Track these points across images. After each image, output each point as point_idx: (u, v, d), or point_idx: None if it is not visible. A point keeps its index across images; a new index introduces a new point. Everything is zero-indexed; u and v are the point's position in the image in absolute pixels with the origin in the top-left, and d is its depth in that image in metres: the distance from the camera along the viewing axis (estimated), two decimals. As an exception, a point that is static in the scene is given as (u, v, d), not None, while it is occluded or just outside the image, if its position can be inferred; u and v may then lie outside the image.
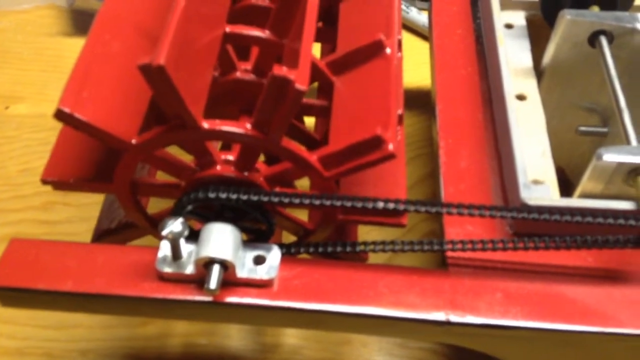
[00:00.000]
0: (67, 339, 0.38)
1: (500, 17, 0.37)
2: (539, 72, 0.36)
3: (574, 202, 0.28)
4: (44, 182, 0.28)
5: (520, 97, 0.35)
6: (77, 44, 0.54)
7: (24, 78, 0.53)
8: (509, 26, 0.38)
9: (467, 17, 0.39)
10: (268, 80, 0.23)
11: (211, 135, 0.25)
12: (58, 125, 0.26)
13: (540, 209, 0.27)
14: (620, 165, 0.27)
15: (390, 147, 0.25)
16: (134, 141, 0.26)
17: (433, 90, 0.36)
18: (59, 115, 0.25)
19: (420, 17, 0.58)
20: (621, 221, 0.26)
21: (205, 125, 0.25)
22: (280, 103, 0.24)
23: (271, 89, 0.24)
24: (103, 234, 0.32)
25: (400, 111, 0.28)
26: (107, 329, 0.39)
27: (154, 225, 0.29)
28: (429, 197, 0.45)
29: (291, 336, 0.40)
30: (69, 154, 0.29)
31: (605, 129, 0.36)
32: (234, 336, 0.39)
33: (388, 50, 0.29)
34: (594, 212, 0.26)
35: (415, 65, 0.52)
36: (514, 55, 0.36)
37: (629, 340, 0.26)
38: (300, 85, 0.23)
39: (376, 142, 0.25)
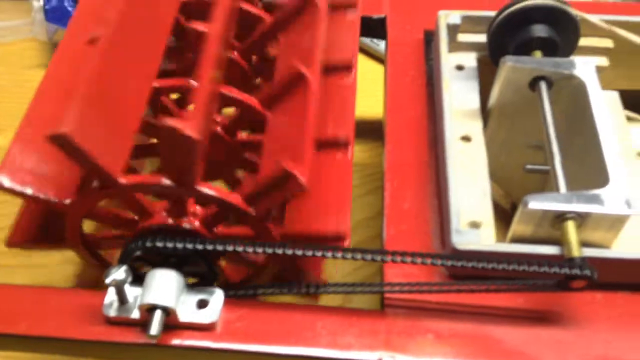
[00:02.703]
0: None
1: (448, 59, 0.38)
2: (487, 111, 0.38)
3: (502, 246, 0.29)
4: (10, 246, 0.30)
5: (466, 139, 0.36)
6: (57, 76, 0.56)
7: (4, 109, 0.55)
8: (459, 67, 0.39)
9: (421, 58, 0.41)
10: (160, 130, 0.24)
11: (132, 189, 0.27)
12: None
13: (469, 255, 0.29)
14: (546, 212, 0.29)
15: (301, 180, 0.26)
16: (67, 201, 0.27)
17: (384, 131, 0.38)
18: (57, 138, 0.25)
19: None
20: (545, 268, 0.27)
21: (123, 180, 0.26)
22: (177, 152, 0.25)
23: (163, 140, 0.25)
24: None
25: (344, 135, 0.30)
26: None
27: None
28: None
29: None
30: (27, 221, 0.30)
31: (547, 167, 0.38)
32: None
33: (308, 81, 0.29)
34: (519, 258, 0.28)
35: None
36: (462, 96, 0.38)
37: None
38: (191, 134, 0.24)
39: (287, 177, 0.26)
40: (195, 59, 0.27)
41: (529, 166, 0.38)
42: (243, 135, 0.35)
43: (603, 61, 0.39)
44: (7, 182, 0.26)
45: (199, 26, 0.31)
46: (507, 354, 0.28)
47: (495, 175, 0.40)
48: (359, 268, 0.44)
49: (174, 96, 0.34)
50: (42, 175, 0.27)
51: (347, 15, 0.39)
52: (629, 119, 0.39)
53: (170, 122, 0.24)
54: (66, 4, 0.58)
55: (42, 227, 0.30)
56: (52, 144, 0.24)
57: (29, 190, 0.26)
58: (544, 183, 0.38)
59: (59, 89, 0.29)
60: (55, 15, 0.58)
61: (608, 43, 0.39)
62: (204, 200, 0.27)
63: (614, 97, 0.38)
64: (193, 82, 0.30)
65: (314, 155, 0.30)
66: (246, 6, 0.35)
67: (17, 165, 0.27)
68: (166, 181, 0.26)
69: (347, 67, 0.36)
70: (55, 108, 0.29)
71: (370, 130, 0.50)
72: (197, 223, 0.28)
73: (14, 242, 0.30)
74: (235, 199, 0.27)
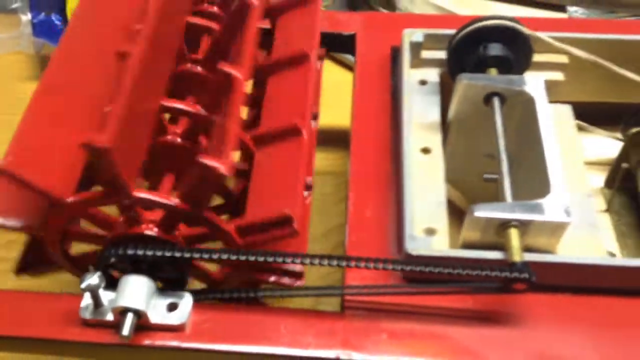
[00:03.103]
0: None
1: (410, 75, 0.41)
2: (447, 124, 0.40)
3: (451, 252, 0.32)
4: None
5: (425, 150, 0.38)
6: (44, 88, 0.58)
7: (-7, 121, 0.57)
8: (423, 82, 0.42)
9: (387, 73, 0.43)
10: (195, 165, 0.27)
11: (142, 203, 0.29)
12: None
13: (421, 259, 0.31)
14: (490, 219, 0.31)
15: (222, 169, 0.27)
16: (70, 199, 0.29)
17: (350, 143, 0.40)
18: (4, 173, 0.28)
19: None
20: (489, 272, 0.30)
21: (138, 194, 0.29)
22: (205, 185, 0.28)
23: (197, 173, 0.27)
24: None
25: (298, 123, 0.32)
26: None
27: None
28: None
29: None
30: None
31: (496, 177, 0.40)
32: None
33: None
34: (467, 263, 0.30)
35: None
36: (423, 110, 0.40)
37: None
38: (225, 171, 0.27)
39: (285, 220, 0.29)
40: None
41: (486, 175, 0.40)
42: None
43: (559, 76, 0.42)
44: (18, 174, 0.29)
45: (228, 68, 0.33)
46: (456, 351, 0.30)
47: (459, 184, 0.42)
48: (335, 271, 0.46)
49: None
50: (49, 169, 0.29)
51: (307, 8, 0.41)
52: (581, 129, 0.41)
53: (207, 161, 0.26)
54: (54, 18, 0.61)
55: (36, 256, 0.33)
56: (88, 153, 0.26)
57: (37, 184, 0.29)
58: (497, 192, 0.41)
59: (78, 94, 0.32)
60: (43, 29, 0.60)
61: (563, 59, 0.41)
62: (144, 204, 0.30)
63: (565, 110, 0.40)
64: (202, 111, 0.33)
65: (266, 148, 0.33)
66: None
67: (25, 157, 0.29)
68: (178, 203, 0.29)
69: (304, 57, 0.38)
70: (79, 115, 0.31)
71: (347, 139, 0.53)
72: (153, 227, 0.30)
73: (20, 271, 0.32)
74: (170, 198, 0.29)
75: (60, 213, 0.30)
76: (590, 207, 0.36)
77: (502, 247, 0.31)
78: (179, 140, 0.34)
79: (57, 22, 0.60)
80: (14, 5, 0.64)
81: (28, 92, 0.61)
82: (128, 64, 0.29)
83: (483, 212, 0.31)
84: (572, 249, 0.34)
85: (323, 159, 0.53)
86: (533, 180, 0.34)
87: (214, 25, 0.38)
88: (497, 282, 0.30)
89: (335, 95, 0.48)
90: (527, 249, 0.32)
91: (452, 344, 0.30)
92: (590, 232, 0.35)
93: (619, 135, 0.42)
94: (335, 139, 0.51)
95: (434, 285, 0.31)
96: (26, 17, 0.61)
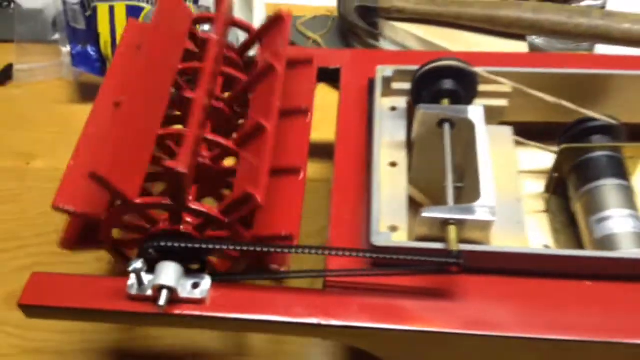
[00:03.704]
0: (73, 341, 0.52)
1: (382, 103, 0.50)
2: (411, 143, 0.50)
3: (406, 243, 0.42)
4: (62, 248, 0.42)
5: (393, 164, 0.48)
6: (82, 109, 0.69)
7: (39, 139, 0.67)
8: (393, 108, 0.52)
9: (365, 100, 0.53)
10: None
11: (144, 207, 0.39)
12: None
13: (383, 249, 0.41)
14: (434, 219, 0.41)
15: (259, 199, 0.38)
16: (137, 201, 0.39)
17: (334, 157, 0.50)
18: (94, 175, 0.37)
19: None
20: (432, 258, 0.39)
21: (191, 205, 0.39)
22: (173, 181, 0.38)
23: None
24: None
25: (298, 164, 0.43)
26: (102, 333, 0.53)
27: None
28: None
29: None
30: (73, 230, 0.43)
31: (461, 184, 0.50)
32: (187, 337, 0.53)
33: (267, 129, 0.42)
34: (417, 252, 0.40)
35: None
36: (392, 131, 0.50)
37: (429, 336, 0.39)
38: (181, 169, 0.36)
39: (248, 198, 0.39)
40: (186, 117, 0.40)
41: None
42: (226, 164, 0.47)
43: (503, 102, 0.51)
44: (60, 204, 0.39)
45: (189, 94, 0.43)
46: (409, 318, 0.40)
47: (424, 189, 0.52)
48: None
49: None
50: (84, 199, 0.39)
51: (307, 69, 0.51)
52: (522, 144, 0.51)
53: (168, 162, 0.36)
54: (89, 49, 0.71)
55: (83, 235, 0.43)
56: (92, 180, 0.36)
57: (72, 209, 0.39)
58: (458, 196, 0.50)
59: (94, 138, 0.42)
60: (81, 59, 0.70)
61: (507, 88, 0.51)
62: (193, 213, 0.40)
63: (506, 130, 0.50)
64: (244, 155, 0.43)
65: (273, 180, 0.43)
66: (228, 70, 0.47)
67: (67, 194, 0.39)
68: (166, 201, 0.39)
69: (305, 112, 0.48)
70: (92, 153, 0.41)
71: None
72: (191, 228, 0.41)
73: (65, 245, 0.42)
74: (214, 211, 0.39)
75: (125, 209, 0.40)
76: (519, 209, 0.46)
77: (444, 239, 0.41)
78: (209, 163, 0.44)
79: (92, 53, 0.71)
80: (54, 37, 0.75)
81: (68, 114, 0.72)
82: (194, 104, 0.40)
83: (429, 213, 0.41)
84: (502, 241, 0.43)
85: (320, 169, 0.62)
86: (472, 187, 0.44)
87: (239, 74, 0.48)
88: (439, 266, 0.40)
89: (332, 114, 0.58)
90: (466, 241, 0.42)
91: (406, 312, 0.40)
92: (518, 228, 0.45)
93: (555, 148, 0.51)
94: (325, 151, 0.61)
95: (393, 269, 0.41)
96: (66, 48, 0.71)
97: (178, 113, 0.48)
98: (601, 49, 0.69)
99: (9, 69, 0.73)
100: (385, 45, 0.72)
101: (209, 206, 0.40)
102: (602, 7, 0.73)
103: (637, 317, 0.40)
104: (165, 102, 0.43)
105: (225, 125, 0.48)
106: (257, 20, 0.73)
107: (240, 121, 0.51)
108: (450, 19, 0.69)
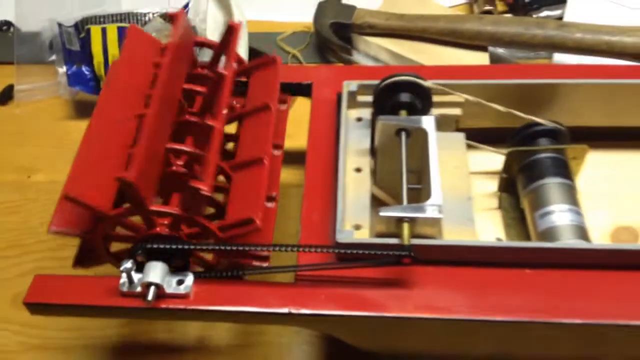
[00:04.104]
0: (74, 337, 0.58)
1: (348, 114, 0.56)
2: (374, 150, 0.55)
3: (366, 239, 0.47)
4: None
5: (358, 170, 0.53)
6: (79, 125, 0.75)
7: (40, 153, 0.73)
8: (359, 119, 0.57)
9: (334, 112, 0.58)
10: (188, 187, 0.42)
11: (156, 213, 0.45)
12: None
13: (346, 245, 0.46)
14: (390, 217, 0.46)
15: (258, 223, 0.44)
16: (110, 213, 0.45)
17: (305, 163, 0.55)
18: (67, 197, 0.43)
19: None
20: (386, 252, 0.45)
21: (153, 208, 0.44)
22: (195, 199, 0.43)
23: (190, 192, 0.43)
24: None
25: (261, 155, 0.48)
26: (100, 330, 0.58)
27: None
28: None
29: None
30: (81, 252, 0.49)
31: (420, 186, 0.55)
32: (179, 331, 0.58)
33: (264, 162, 0.48)
34: (372, 246, 0.45)
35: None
36: (358, 139, 0.55)
37: (387, 320, 0.45)
38: (207, 191, 0.42)
39: (249, 222, 0.45)
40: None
41: (409, 185, 0.55)
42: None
43: (457, 111, 0.57)
44: (54, 228, 0.45)
45: (210, 121, 0.49)
46: (369, 305, 0.45)
47: (388, 191, 0.57)
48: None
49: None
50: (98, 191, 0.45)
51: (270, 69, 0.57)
52: (475, 148, 0.56)
53: (193, 182, 0.42)
54: (84, 69, 0.76)
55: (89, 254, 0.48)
56: (120, 187, 0.42)
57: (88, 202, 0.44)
58: (418, 196, 0.56)
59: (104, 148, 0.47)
60: (76, 79, 0.76)
61: (461, 99, 0.56)
62: (196, 225, 0.45)
63: (459, 136, 0.56)
64: (200, 152, 0.48)
65: (240, 172, 0.48)
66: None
67: (80, 183, 0.44)
68: (179, 211, 0.45)
69: (268, 108, 0.53)
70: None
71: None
72: (184, 236, 0.46)
73: (76, 266, 0.49)
74: (213, 226, 0.45)
75: (104, 222, 0.45)
76: (469, 207, 0.51)
77: (399, 235, 0.46)
78: (181, 170, 0.50)
79: (87, 73, 0.76)
80: (51, 58, 0.80)
81: (66, 130, 0.77)
82: (145, 121, 0.45)
83: (385, 212, 0.46)
84: (454, 236, 0.49)
85: (296, 175, 0.68)
86: (427, 188, 0.49)
87: (202, 89, 0.53)
88: (393, 259, 0.45)
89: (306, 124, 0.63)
90: (420, 236, 0.47)
91: (367, 300, 0.45)
92: (468, 224, 0.50)
93: (505, 151, 0.57)
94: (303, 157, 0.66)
95: (355, 262, 0.46)
96: (62, 69, 0.77)
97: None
98: (558, 56, 0.74)
99: (9, 89, 0.79)
100: (358, 58, 0.78)
101: (169, 206, 0.45)
102: (560, 17, 0.78)
103: (572, 300, 0.45)
104: (135, 123, 0.48)
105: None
106: (241, 37, 0.78)
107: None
108: (417, 33, 0.74)
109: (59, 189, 0.69)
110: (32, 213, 0.67)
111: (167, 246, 0.45)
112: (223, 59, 0.55)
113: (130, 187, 0.42)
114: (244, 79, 0.58)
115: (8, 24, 0.86)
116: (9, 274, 0.63)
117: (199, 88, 0.53)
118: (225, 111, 0.48)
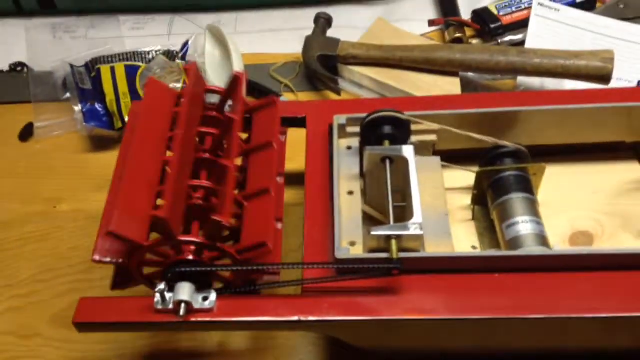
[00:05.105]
0: (109, 349, 0.66)
1: (340, 143, 0.64)
2: (364, 174, 0.64)
3: (360, 255, 0.55)
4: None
5: (350, 192, 0.62)
6: (96, 158, 0.83)
7: (63, 185, 0.81)
8: (349, 147, 0.66)
9: (327, 142, 0.67)
10: (210, 220, 0.51)
11: (184, 242, 0.53)
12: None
13: (344, 261, 0.55)
14: (380, 235, 0.55)
15: (270, 246, 0.53)
16: (147, 244, 0.53)
17: (305, 188, 0.63)
18: (110, 233, 0.51)
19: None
20: (378, 265, 0.53)
21: (181, 238, 0.53)
22: (216, 229, 0.52)
23: (211, 224, 0.51)
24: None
25: (268, 186, 0.57)
26: (131, 342, 0.66)
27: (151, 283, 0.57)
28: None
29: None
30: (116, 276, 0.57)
31: (404, 204, 0.63)
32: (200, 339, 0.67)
33: (270, 192, 0.57)
34: (366, 261, 0.54)
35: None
36: (348, 166, 0.64)
37: (380, 322, 0.53)
38: (226, 222, 0.51)
39: (262, 246, 0.53)
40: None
41: (395, 204, 0.64)
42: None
43: (433, 137, 0.65)
44: (97, 257, 0.53)
45: (224, 162, 0.57)
46: (364, 310, 0.54)
47: (378, 209, 0.66)
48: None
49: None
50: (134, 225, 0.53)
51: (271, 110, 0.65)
52: (449, 168, 0.65)
53: (214, 215, 0.50)
54: (97, 106, 0.84)
55: (124, 277, 0.57)
56: (153, 222, 0.50)
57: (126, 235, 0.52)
58: (403, 213, 0.65)
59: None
60: (91, 116, 0.83)
61: (436, 126, 0.65)
62: (217, 250, 0.54)
63: (435, 160, 0.64)
64: (216, 187, 0.57)
65: (250, 202, 0.57)
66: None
67: (118, 219, 0.52)
68: (203, 240, 0.53)
69: (270, 145, 0.62)
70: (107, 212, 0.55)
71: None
72: (207, 260, 0.54)
73: (114, 288, 0.56)
74: (232, 250, 0.53)
75: (140, 251, 0.54)
76: (446, 222, 0.60)
77: (388, 249, 0.55)
78: (200, 202, 0.58)
79: (100, 110, 0.84)
80: (66, 96, 0.88)
81: (85, 162, 0.85)
82: (171, 164, 0.53)
83: (376, 232, 0.55)
84: (434, 248, 0.58)
85: (296, 194, 0.76)
86: (410, 207, 0.58)
87: (213, 130, 0.62)
88: (385, 271, 0.54)
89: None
90: (405, 249, 0.56)
91: (363, 306, 0.54)
92: (446, 237, 0.59)
93: (476, 169, 0.65)
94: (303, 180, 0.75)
95: (353, 275, 0.55)
96: (77, 107, 0.85)
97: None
98: (521, 78, 0.83)
99: (30, 127, 0.86)
100: (344, 85, 0.86)
101: (194, 235, 0.54)
102: (522, 40, 0.87)
103: (535, 298, 0.54)
104: (159, 166, 0.56)
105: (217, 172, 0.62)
106: (237, 69, 0.87)
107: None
108: (396, 62, 0.83)
109: (83, 217, 0.79)
110: (60, 240, 0.75)
111: (195, 269, 0.53)
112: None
113: (164, 223, 0.50)
114: (247, 116, 0.67)
115: (22, 65, 0.93)
116: (45, 296, 0.70)
117: (210, 130, 0.62)
118: (237, 152, 0.57)
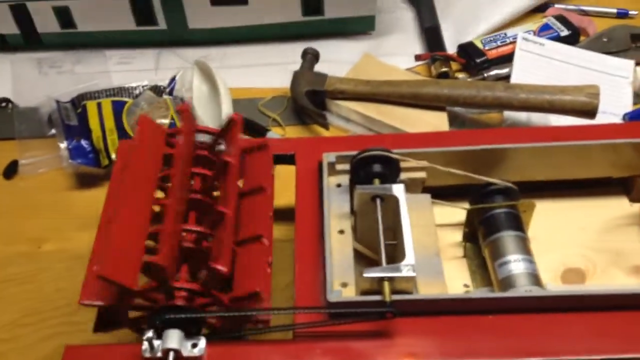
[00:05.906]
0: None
1: (329, 181, 0.64)
2: (354, 212, 0.63)
3: (352, 297, 0.55)
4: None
5: (341, 232, 0.62)
6: (82, 195, 0.82)
7: (48, 224, 0.79)
8: (338, 185, 0.65)
9: (316, 179, 0.66)
10: (210, 268, 0.50)
11: (177, 289, 0.52)
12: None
13: (337, 304, 0.54)
14: (372, 277, 0.54)
15: (263, 295, 0.52)
16: (137, 289, 0.52)
17: (295, 227, 0.63)
18: (100, 277, 0.50)
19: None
20: (372, 309, 0.53)
21: (177, 285, 0.52)
22: (215, 277, 0.51)
23: (210, 272, 0.51)
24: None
25: (261, 233, 0.56)
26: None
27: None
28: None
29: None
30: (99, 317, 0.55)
31: (395, 242, 0.63)
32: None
33: (265, 242, 0.56)
34: (359, 304, 0.53)
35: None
36: (339, 204, 0.63)
37: None
38: (226, 271, 0.50)
39: (256, 295, 0.52)
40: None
41: (386, 242, 0.63)
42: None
43: (422, 174, 0.65)
44: (85, 300, 0.52)
45: (221, 208, 0.56)
46: (359, 355, 0.53)
47: (369, 247, 0.65)
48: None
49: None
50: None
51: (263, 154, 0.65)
52: (439, 204, 0.65)
53: (213, 263, 0.50)
54: (83, 143, 0.83)
55: (108, 320, 0.55)
56: (145, 266, 0.49)
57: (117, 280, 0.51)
58: (394, 250, 0.64)
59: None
60: (76, 153, 0.82)
61: (425, 164, 0.65)
62: (211, 296, 0.53)
63: (425, 197, 0.64)
64: (211, 232, 0.56)
65: (244, 247, 0.56)
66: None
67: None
68: (199, 288, 0.52)
69: (265, 189, 0.61)
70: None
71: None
72: (198, 306, 0.53)
73: (96, 330, 0.55)
74: (225, 298, 0.52)
75: (129, 295, 0.52)
76: (438, 262, 0.59)
77: (380, 291, 0.54)
78: (192, 246, 0.57)
79: (86, 146, 0.83)
80: (51, 132, 0.87)
81: (70, 200, 0.84)
82: (167, 209, 0.53)
83: (367, 274, 0.54)
84: (427, 289, 0.57)
85: (285, 230, 0.75)
86: (401, 246, 0.58)
87: (204, 171, 0.61)
88: (378, 314, 0.53)
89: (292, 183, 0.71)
90: (398, 290, 0.55)
91: (356, 352, 0.53)
92: (438, 277, 0.58)
93: (466, 205, 0.65)
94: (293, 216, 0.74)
95: (345, 318, 0.54)
96: (63, 144, 0.83)
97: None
98: (508, 112, 0.84)
99: (14, 164, 0.85)
100: (332, 119, 0.86)
101: (188, 282, 0.53)
102: (508, 75, 0.88)
103: (528, 341, 0.53)
104: (150, 206, 0.56)
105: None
106: (225, 104, 0.86)
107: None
108: (383, 97, 0.83)
109: (68, 257, 0.77)
110: (45, 281, 0.73)
111: (186, 316, 0.52)
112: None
113: (161, 270, 0.49)
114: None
115: (7, 100, 0.92)
116: (29, 340, 0.69)
117: (202, 170, 0.61)
118: (235, 200, 0.56)
